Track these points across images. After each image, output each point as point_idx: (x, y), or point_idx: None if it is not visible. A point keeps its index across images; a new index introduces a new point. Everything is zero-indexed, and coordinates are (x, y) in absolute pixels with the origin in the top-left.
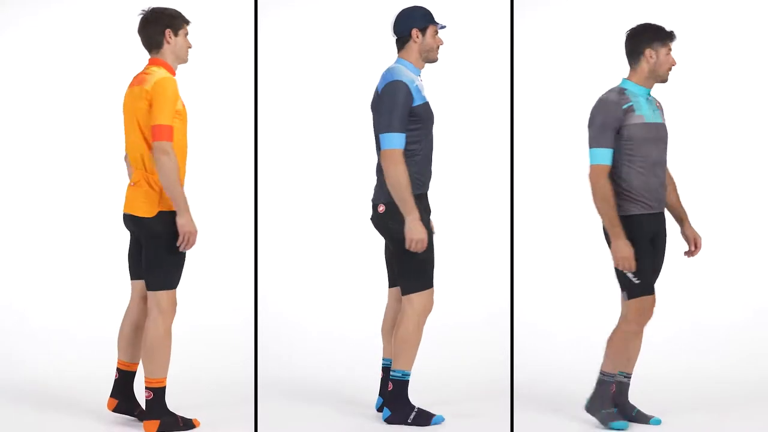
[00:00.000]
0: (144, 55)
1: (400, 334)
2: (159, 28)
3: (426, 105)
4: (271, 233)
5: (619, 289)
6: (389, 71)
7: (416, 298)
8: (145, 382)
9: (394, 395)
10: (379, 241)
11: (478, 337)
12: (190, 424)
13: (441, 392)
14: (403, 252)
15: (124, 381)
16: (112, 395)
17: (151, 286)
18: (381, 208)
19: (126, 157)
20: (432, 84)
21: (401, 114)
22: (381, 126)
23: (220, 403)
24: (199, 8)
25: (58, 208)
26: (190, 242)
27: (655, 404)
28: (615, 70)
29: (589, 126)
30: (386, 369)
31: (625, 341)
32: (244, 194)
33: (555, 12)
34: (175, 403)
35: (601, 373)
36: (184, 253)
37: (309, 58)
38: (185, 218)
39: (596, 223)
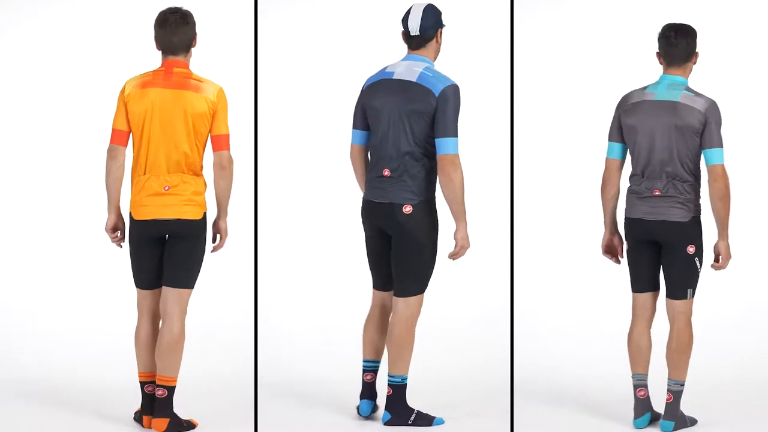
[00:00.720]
0: (141, 55)
1: (396, 339)
2: (194, 31)
3: None
4: (271, 234)
5: (678, 292)
6: (433, 72)
7: (413, 300)
8: (158, 380)
9: (394, 400)
10: None
11: (478, 337)
12: (190, 425)
13: (441, 392)
14: (414, 255)
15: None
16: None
17: (181, 284)
18: (408, 209)
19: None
20: None
21: (457, 118)
22: (448, 130)
23: (220, 404)
24: (199, 8)
25: (58, 208)
26: (223, 245)
27: (654, 404)
28: (615, 70)
29: (719, 126)
30: (372, 371)
31: (691, 339)
32: (244, 194)
33: (555, 12)
34: (175, 403)
35: (678, 383)
36: None
37: (309, 58)
38: (226, 222)
39: (596, 222)
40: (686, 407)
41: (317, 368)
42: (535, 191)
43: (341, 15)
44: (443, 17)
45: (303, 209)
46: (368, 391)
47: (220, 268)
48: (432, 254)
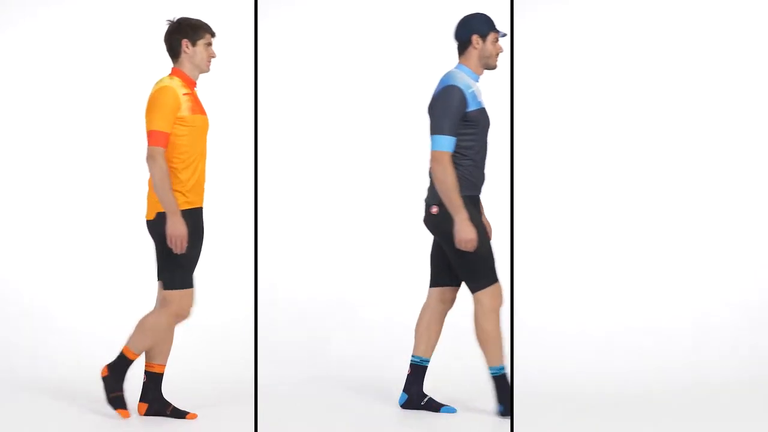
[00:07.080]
0: (142, 55)
1: (478, 336)
2: (178, 38)
3: (482, 110)
4: (271, 233)
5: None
6: (447, 76)
7: (483, 296)
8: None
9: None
10: (379, 242)
11: None
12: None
13: (441, 391)
14: (456, 252)
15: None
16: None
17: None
18: (434, 210)
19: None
20: (432, 83)
21: (453, 118)
22: (432, 128)
23: (220, 402)
24: (200, 8)
25: (57, 207)
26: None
27: (655, 404)
28: (616, 70)
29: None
30: (415, 366)
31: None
32: (244, 194)
33: (555, 12)
34: (175, 402)
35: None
36: None
37: (309, 58)
38: (170, 221)
39: (597, 222)
40: (684, 408)
41: (317, 368)
42: (535, 191)
43: (342, 15)
44: (438, 16)
45: (303, 208)
46: (408, 384)
47: (220, 267)
48: (478, 250)
